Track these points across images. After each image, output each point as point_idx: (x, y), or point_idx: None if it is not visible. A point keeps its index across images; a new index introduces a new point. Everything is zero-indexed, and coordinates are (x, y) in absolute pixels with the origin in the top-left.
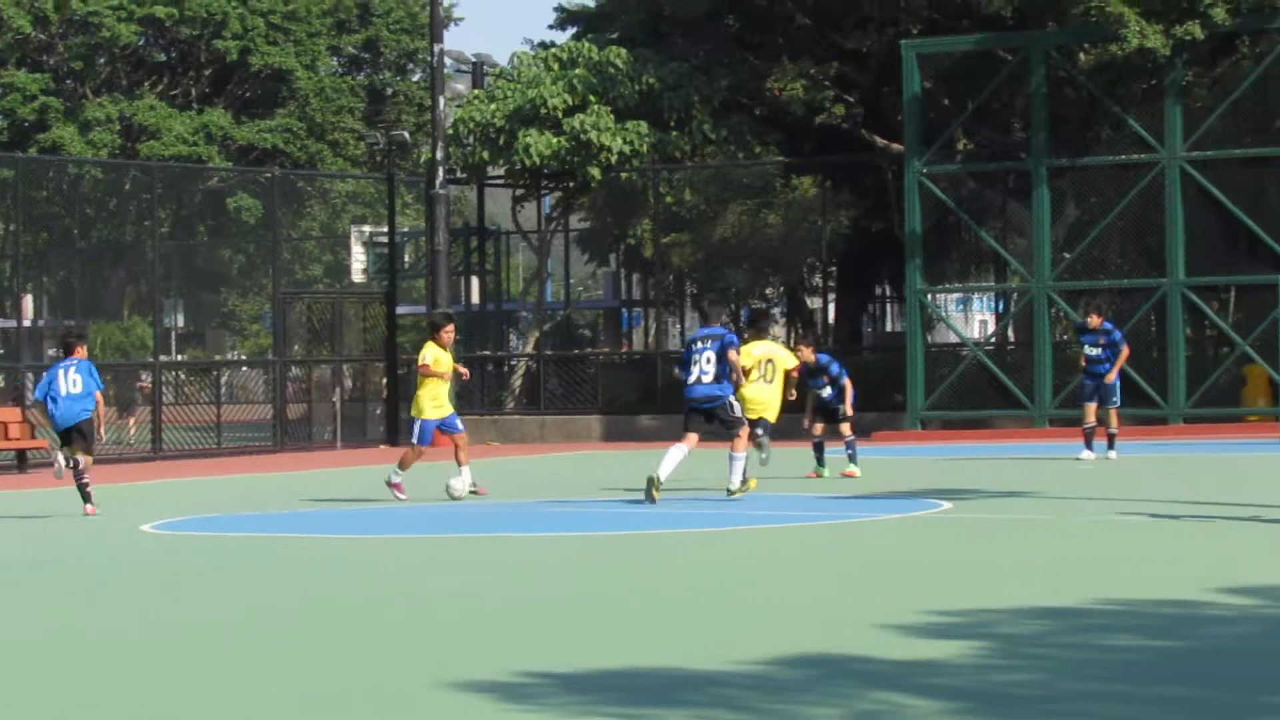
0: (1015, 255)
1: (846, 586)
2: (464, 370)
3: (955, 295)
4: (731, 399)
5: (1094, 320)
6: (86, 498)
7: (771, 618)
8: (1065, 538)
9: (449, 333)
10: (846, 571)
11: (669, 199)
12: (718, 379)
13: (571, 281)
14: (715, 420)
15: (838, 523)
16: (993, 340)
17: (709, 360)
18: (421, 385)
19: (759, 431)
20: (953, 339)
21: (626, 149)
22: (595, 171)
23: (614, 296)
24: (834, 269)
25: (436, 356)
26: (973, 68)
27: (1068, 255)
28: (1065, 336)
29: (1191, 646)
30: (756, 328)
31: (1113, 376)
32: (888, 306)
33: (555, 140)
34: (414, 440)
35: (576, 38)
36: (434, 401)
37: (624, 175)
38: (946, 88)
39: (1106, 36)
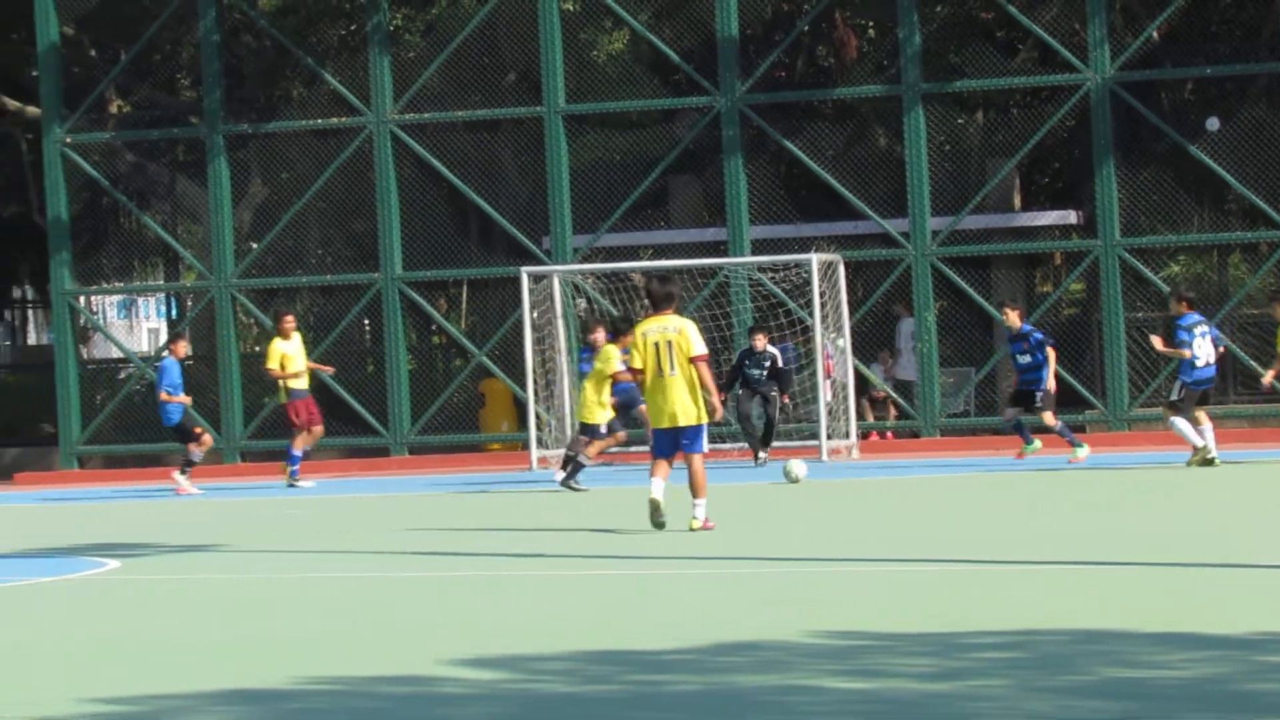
0: (190, 247)
1: None
2: None
3: (117, 298)
4: None
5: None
6: None
7: None
8: (259, 601)
9: None
10: None
11: None
12: None
13: None
14: None
15: None
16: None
17: None
18: None
19: None
20: (115, 353)
21: None
22: None
23: None
24: None
25: None
26: (125, 9)
27: (256, 246)
28: (258, 348)
29: None
30: None
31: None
32: (30, 313)
33: None
34: None
35: None
36: None
37: None
38: (94, 34)
39: None
